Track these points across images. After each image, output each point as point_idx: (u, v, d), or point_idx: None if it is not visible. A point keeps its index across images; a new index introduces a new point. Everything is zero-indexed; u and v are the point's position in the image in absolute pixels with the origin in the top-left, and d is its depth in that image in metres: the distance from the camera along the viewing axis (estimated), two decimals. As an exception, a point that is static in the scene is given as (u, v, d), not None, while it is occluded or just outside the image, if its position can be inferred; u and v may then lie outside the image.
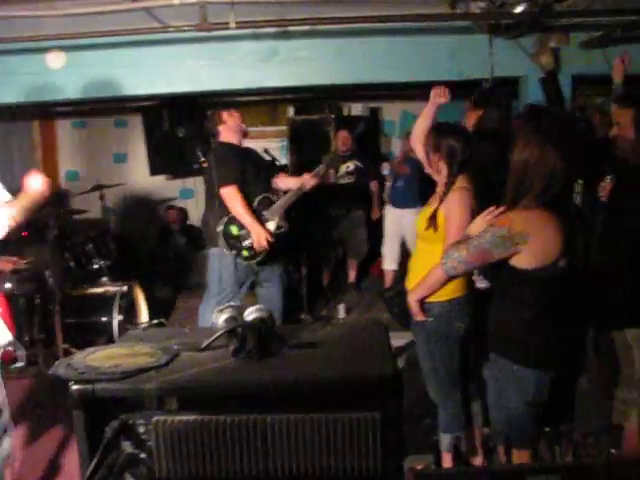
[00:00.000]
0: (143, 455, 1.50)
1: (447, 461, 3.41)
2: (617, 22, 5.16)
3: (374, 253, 7.68)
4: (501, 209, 2.69)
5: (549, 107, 5.46)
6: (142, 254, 8.14)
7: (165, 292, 7.47)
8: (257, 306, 1.77)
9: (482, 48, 5.59)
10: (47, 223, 5.21)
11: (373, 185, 7.44)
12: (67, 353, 4.98)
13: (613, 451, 2.56)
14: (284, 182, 5.17)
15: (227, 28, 4.41)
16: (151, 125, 8.05)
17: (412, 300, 3.27)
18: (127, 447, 1.49)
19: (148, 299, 6.01)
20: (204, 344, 1.64)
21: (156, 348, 1.66)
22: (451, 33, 5.58)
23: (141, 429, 1.49)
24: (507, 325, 2.66)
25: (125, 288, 5.53)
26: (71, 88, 5.61)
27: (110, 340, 5.22)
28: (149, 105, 7.83)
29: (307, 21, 5.12)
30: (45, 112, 8.13)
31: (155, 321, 5.73)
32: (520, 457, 2.80)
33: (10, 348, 3.06)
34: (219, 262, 4.86)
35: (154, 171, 8.35)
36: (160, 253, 8.33)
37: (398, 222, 7.12)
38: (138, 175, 8.51)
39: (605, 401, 3.17)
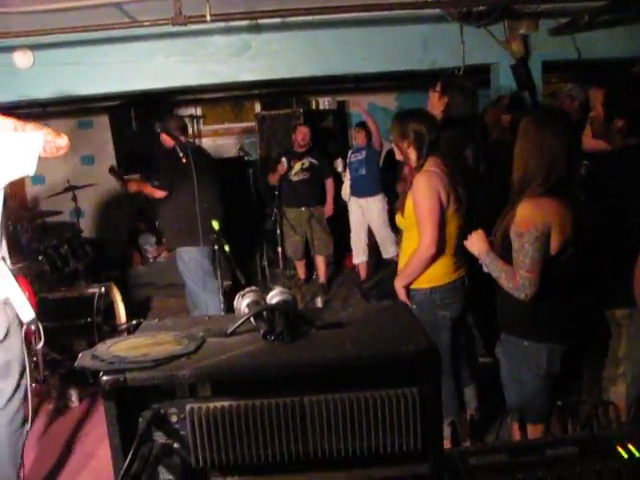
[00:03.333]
0: (177, 445, 1.46)
1: (446, 446, 3.41)
2: (584, 8, 5.24)
3: (345, 247, 7.71)
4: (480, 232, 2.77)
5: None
6: (115, 255, 8.02)
7: (140, 293, 7.39)
8: (279, 289, 1.73)
9: (453, 37, 5.64)
10: (20, 226, 5.09)
11: (329, 182, 7.44)
12: (44, 357, 4.89)
13: (623, 419, 2.61)
14: None
15: (203, 21, 4.35)
16: (119, 125, 7.91)
17: (398, 287, 3.33)
18: (160, 437, 1.45)
19: (124, 300, 5.93)
20: (230, 329, 1.59)
21: (180, 336, 1.61)
22: (423, 22, 5.62)
23: (174, 418, 1.44)
24: (515, 304, 2.68)
25: (103, 289, 5.43)
26: (38, 88, 5.47)
27: (90, 343, 5.13)
28: (115, 105, 7.71)
29: (279, 12, 5.08)
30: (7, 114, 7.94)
31: (134, 322, 5.65)
32: (535, 432, 2.84)
33: (32, 327, 3.01)
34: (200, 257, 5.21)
35: (123, 172, 8.20)
36: (131, 254, 8.25)
37: (362, 212, 7.19)
38: (107, 177, 8.33)
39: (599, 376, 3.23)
